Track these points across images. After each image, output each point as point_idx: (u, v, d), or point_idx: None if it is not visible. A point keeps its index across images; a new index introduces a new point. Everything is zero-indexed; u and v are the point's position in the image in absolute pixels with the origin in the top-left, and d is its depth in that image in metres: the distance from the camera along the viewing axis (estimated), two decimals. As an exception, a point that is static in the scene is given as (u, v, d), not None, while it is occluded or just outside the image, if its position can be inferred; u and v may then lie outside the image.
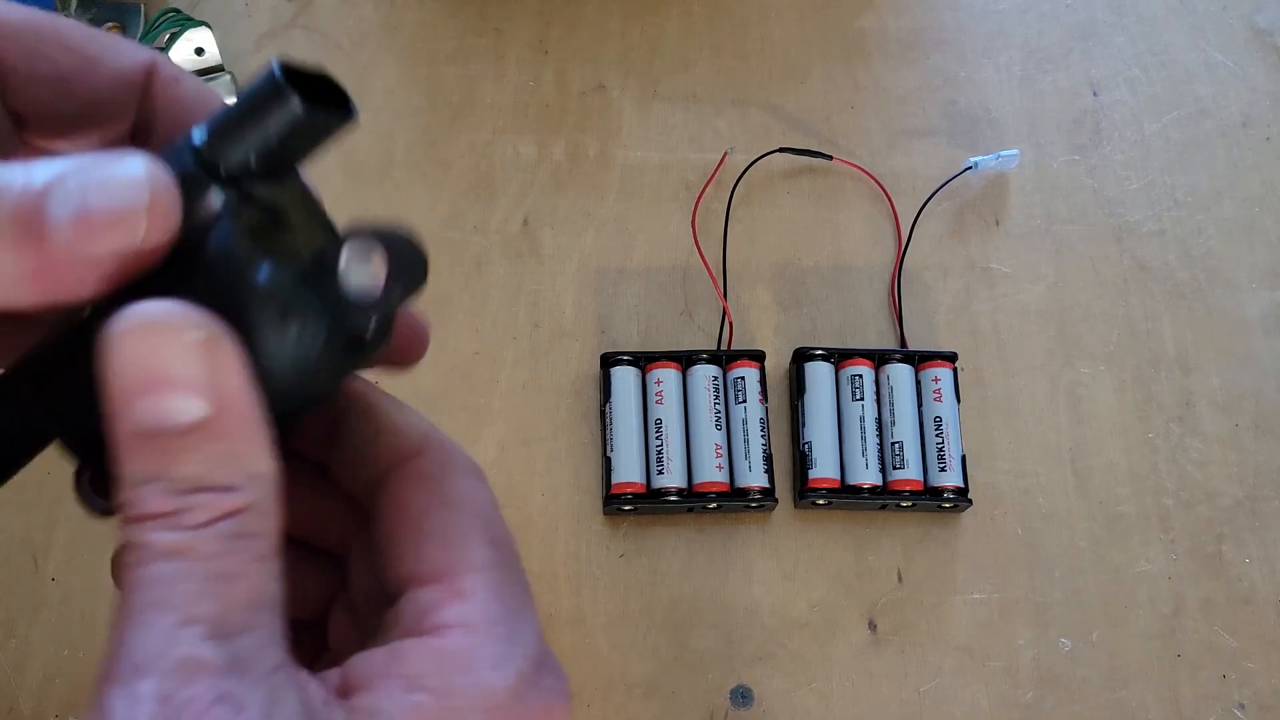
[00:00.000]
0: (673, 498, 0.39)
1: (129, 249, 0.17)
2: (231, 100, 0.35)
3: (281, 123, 0.20)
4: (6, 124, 0.21)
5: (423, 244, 0.20)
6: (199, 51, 0.44)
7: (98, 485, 0.20)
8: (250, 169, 0.20)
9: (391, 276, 0.19)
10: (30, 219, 0.16)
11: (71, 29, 0.21)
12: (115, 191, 0.17)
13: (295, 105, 0.20)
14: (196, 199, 0.19)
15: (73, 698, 0.37)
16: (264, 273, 0.19)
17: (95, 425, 0.18)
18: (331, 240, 0.20)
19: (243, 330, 0.18)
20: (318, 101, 0.21)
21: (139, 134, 0.22)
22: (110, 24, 0.47)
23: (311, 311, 0.19)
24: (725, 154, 0.46)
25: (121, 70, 0.21)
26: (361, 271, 0.19)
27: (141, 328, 0.17)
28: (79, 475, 0.20)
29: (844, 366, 0.41)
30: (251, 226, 0.19)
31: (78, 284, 0.17)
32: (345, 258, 0.19)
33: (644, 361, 0.41)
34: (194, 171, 0.19)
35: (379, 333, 0.20)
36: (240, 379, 0.17)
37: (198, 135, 0.19)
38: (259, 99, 0.20)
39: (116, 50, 0.21)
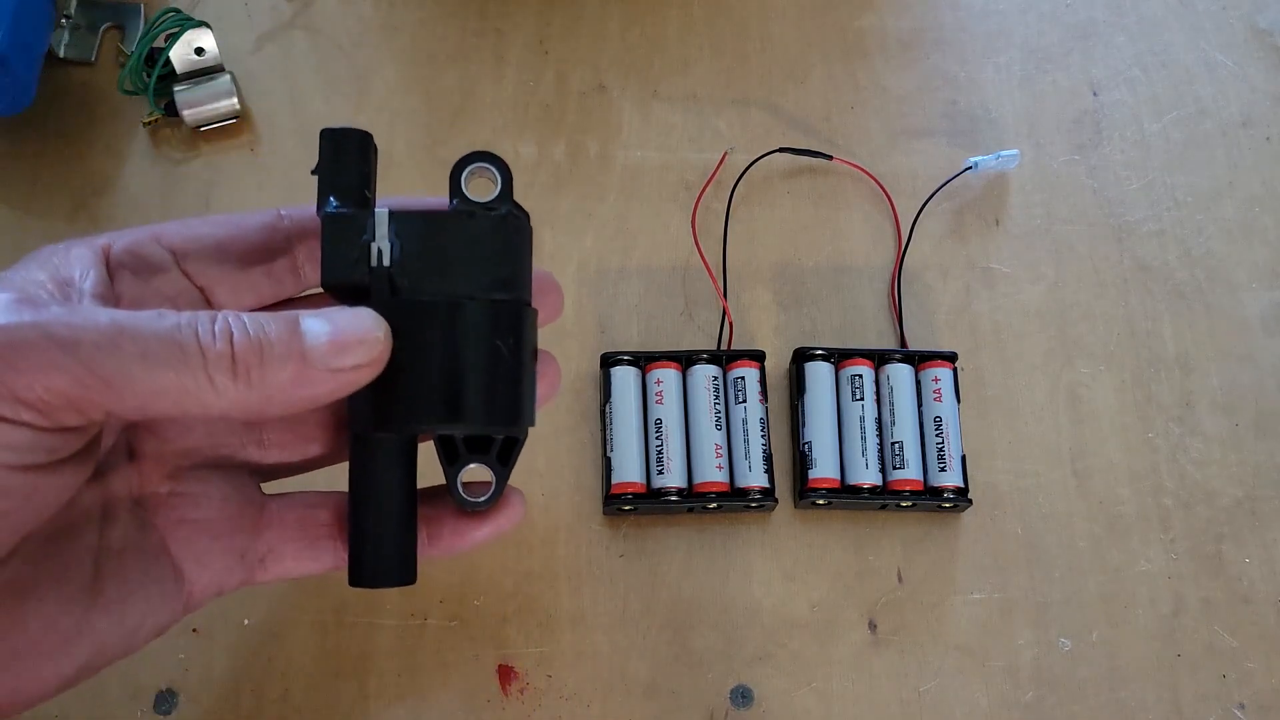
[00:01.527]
0: (673, 498, 0.39)
1: (373, 363, 0.25)
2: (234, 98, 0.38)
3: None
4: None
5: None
6: (199, 51, 0.44)
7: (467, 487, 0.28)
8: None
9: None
10: (294, 342, 0.24)
11: (215, 217, 0.29)
12: (354, 324, 0.25)
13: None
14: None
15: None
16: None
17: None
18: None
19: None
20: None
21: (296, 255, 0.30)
22: (110, 24, 0.47)
23: None
24: (725, 154, 0.46)
25: (262, 221, 0.29)
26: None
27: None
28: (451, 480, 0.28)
29: (844, 366, 0.41)
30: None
31: (322, 398, 0.25)
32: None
33: (644, 361, 0.41)
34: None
35: None
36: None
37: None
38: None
39: (249, 213, 0.29)
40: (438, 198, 0.29)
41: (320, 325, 0.24)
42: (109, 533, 0.27)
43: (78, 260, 0.26)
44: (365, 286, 0.27)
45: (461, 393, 0.27)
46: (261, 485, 0.31)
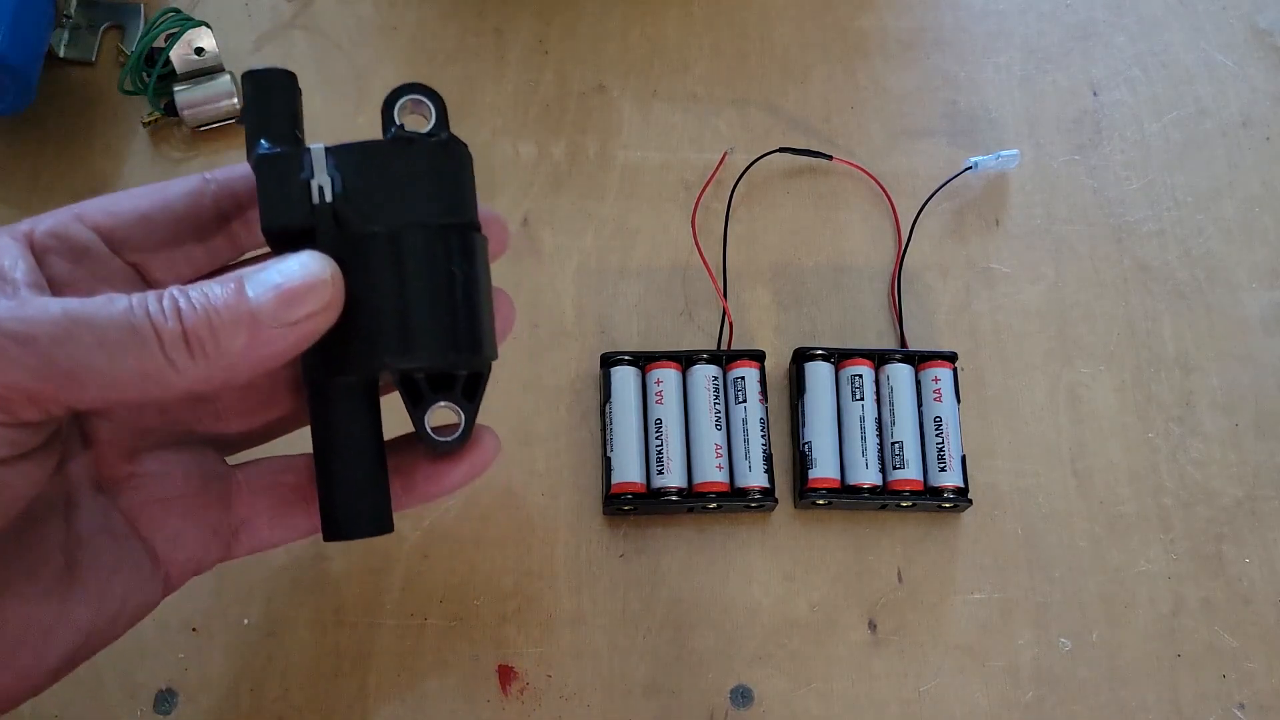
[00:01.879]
0: (673, 498, 0.39)
1: (327, 308, 0.24)
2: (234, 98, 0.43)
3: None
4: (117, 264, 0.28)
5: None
6: (199, 51, 0.44)
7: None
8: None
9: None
10: (241, 306, 0.23)
11: (137, 190, 0.28)
12: (299, 271, 0.24)
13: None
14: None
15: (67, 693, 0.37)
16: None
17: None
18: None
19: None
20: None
21: (226, 218, 0.29)
22: (110, 24, 0.47)
23: None
24: (725, 154, 0.46)
25: (186, 189, 0.28)
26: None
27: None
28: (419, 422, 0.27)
29: (844, 366, 0.41)
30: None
31: (283, 355, 0.24)
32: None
33: (644, 361, 0.41)
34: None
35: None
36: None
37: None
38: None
39: (171, 181, 0.28)
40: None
41: (265, 278, 0.24)
42: (75, 521, 0.26)
43: (2, 250, 0.25)
44: (309, 228, 0.26)
45: (416, 324, 0.26)
46: (230, 457, 0.30)
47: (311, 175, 0.25)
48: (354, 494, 0.27)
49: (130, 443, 0.28)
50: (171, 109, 0.45)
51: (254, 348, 0.23)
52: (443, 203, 0.27)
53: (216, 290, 0.23)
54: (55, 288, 0.26)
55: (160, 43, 0.44)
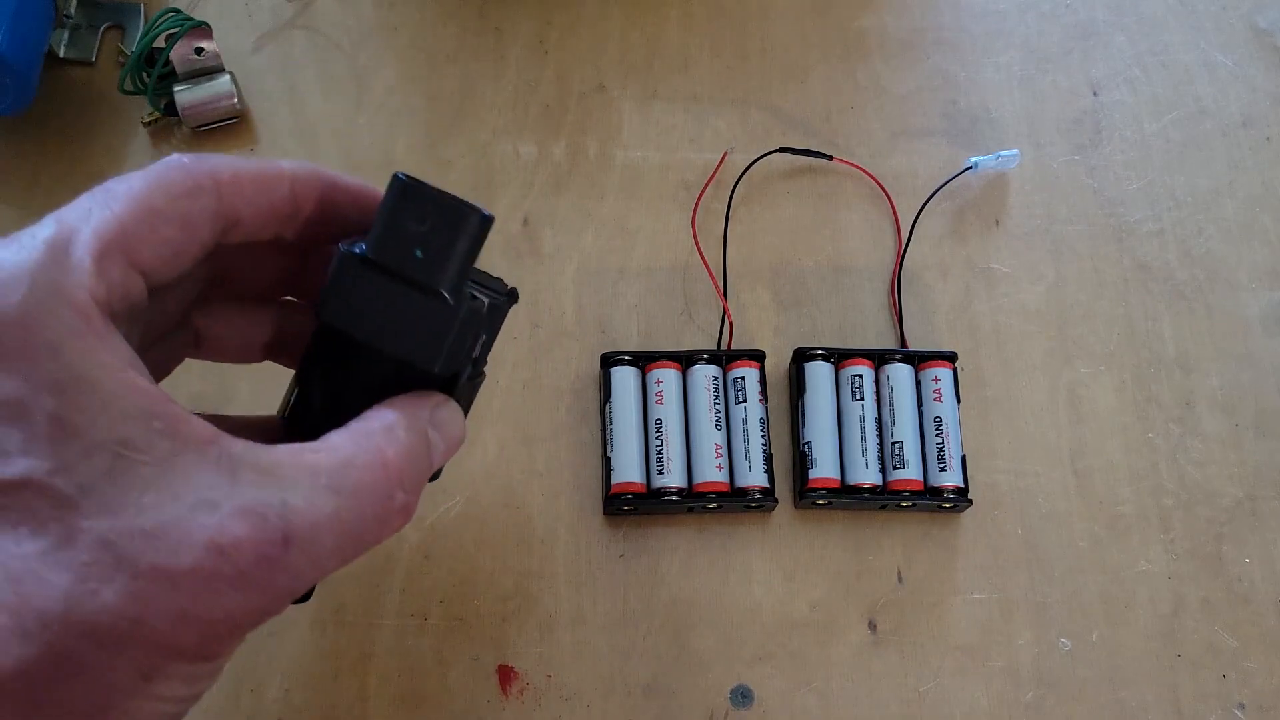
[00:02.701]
0: (673, 498, 0.39)
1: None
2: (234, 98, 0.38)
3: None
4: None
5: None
6: (199, 51, 0.44)
7: None
8: None
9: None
10: (425, 468, 0.25)
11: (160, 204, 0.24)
12: (454, 426, 0.26)
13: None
14: None
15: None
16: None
17: None
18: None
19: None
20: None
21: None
22: (110, 24, 0.47)
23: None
24: (725, 154, 0.46)
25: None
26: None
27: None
28: None
29: (844, 366, 0.41)
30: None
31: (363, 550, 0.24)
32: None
33: (644, 361, 0.41)
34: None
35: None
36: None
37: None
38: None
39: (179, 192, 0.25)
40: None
41: (436, 440, 0.25)
42: None
43: (110, 349, 0.22)
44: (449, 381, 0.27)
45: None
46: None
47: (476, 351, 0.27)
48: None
49: None
50: (171, 109, 0.45)
51: (347, 546, 0.23)
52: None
53: (419, 450, 0.25)
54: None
55: (160, 43, 0.44)
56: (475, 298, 0.26)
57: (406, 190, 0.24)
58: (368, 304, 0.25)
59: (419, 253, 0.24)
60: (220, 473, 0.20)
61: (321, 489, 0.21)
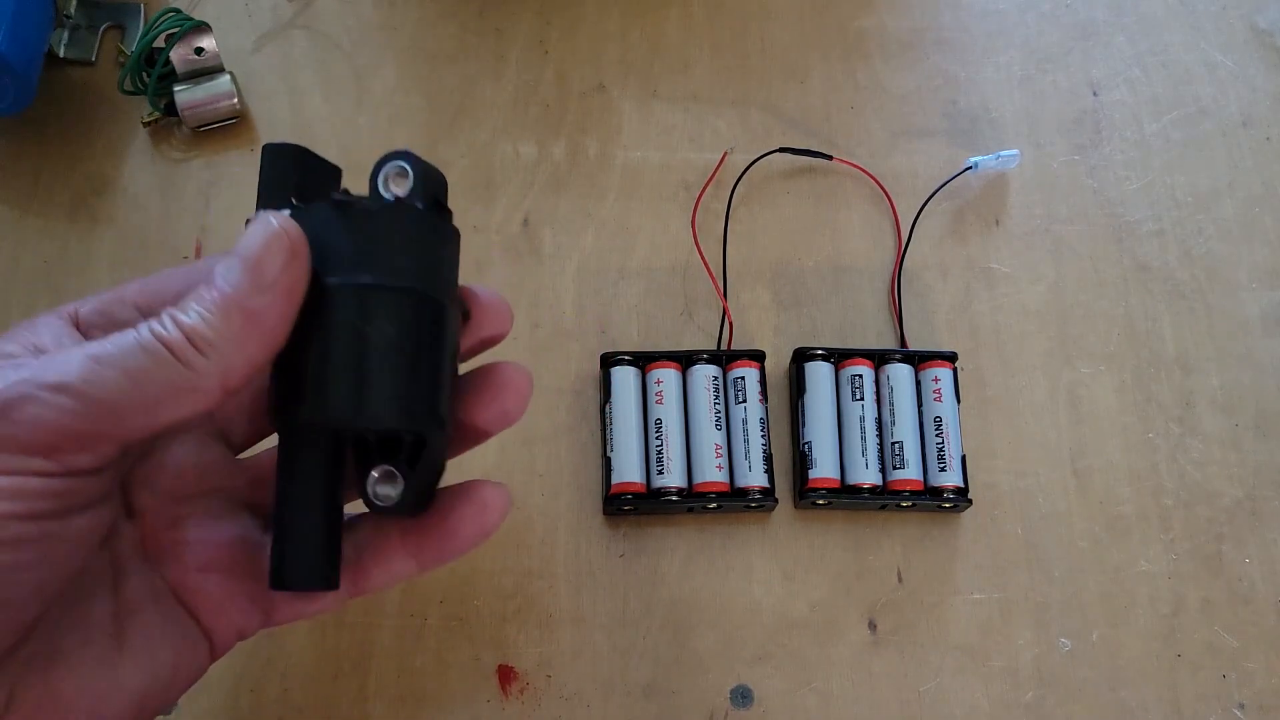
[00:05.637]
0: (673, 498, 0.39)
1: (294, 256, 0.25)
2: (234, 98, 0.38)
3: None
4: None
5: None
6: (199, 51, 0.44)
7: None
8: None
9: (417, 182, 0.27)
10: (221, 293, 0.24)
11: (176, 270, 0.30)
12: (254, 235, 0.25)
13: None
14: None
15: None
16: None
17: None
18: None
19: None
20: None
21: None
22: (110, 24, 0.47)
23: None
24: (725, 154, 0.46)
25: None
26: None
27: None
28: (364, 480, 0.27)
29: (844, 366, 0.41)
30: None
31: (279, 318, 0.25)
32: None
33: (644, 361, 0.41)
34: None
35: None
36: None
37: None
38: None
39: (211, 259, 0.28)
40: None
41: (230, 261, 0.25)
42: (123, 592, 0.27)
43: (45, 328, 0.27)
44: None
45: (365, 382, 0.26)
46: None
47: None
48: (301, 546, 0.27)
49: (173, 511, 0.29)
50: (171, 109, 0.45)
51: (252, 324, 0.25)
52: (413, 270, 0.27)
53: (201, 290, 0.25)
54: None
55: (160, 43, 0.44)
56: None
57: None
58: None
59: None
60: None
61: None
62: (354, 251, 0.26)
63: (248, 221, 0.26)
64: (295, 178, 0.28)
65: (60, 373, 0.23)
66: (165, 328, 0.24)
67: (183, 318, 0.24)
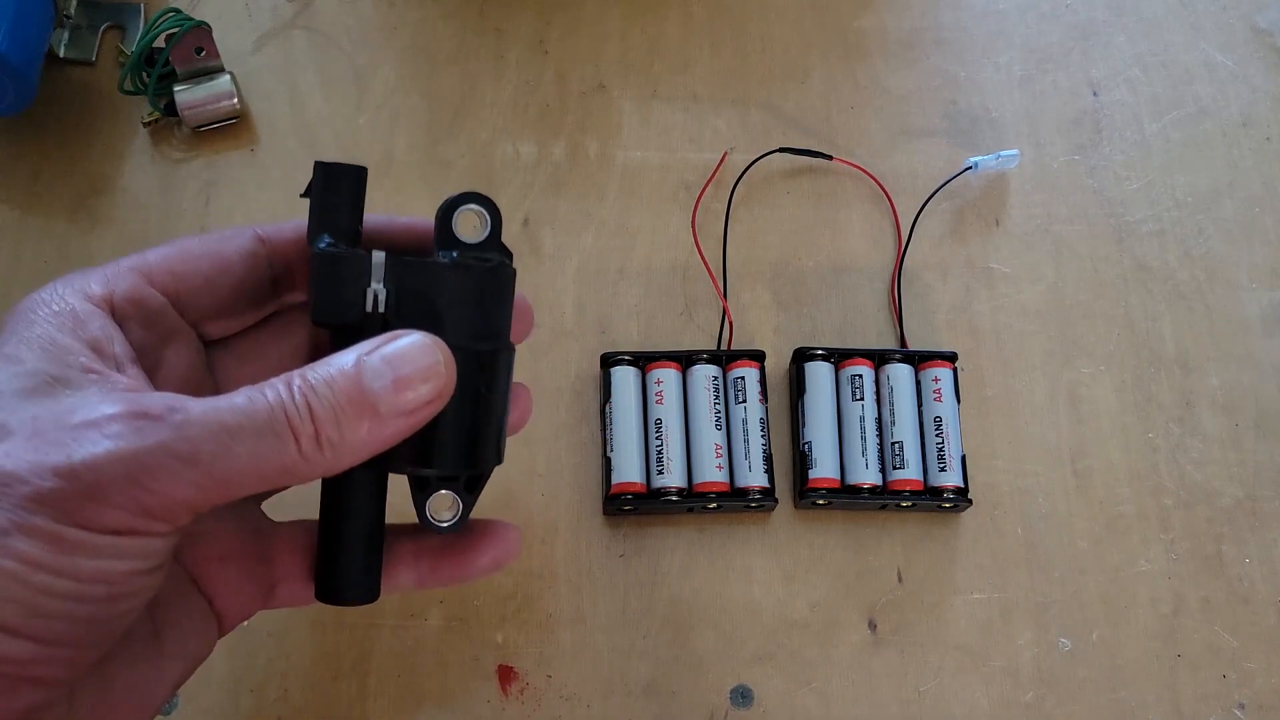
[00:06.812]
0: (673, 498, 0.39)
1: (440, 396, 0.26)
2: (234, 98, 0.38)
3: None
4: (188, 331, 0.29)
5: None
6: (199, 51, 0.44)
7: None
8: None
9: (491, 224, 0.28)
10: (364, 399, 0.24)
11: (195, 247, 0.29)
12: (414, 356, 0.25)
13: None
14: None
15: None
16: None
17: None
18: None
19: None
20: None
21: (278, 282, 0.30)
22: (110, 24, 0.47)
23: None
24: (725, 154, 0.46)
25: (242, 250, 0.29)
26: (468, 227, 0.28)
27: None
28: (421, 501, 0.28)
29: (844, 366, 0.41)
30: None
31: (400, 438, 0.25)
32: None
33: (644, 361, 0.41)
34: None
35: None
36: None
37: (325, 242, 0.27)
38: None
39: (227, 238, 0.29)
40: (416, 219, 0.30)
41: (383, 369, 0.25)
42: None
43: (91, 320, 0.26)
44: (356, 327, 0.27)
45: (435, 441, 0.27)
46: (276, 517, 0.32)
47: (369, 282, 0.27)
48: (354, 567, 0.29)
49: None
50: (171, 109, 0.45)
51: (374, 435, 0.25)
52: (483, 327, 0.28)
53: (340, 383, 0.25)
54: (143, 357, 0.27)
55: (160, 43, 0.44)
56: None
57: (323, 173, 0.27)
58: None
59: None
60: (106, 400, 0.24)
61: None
62: (437, 310, 0.27)
63: (310, 236, 0.27)
64: (358, 207, 0.28)
65: (193, 446, 0.23)
66: (299, 415, 0.24)
67: (318, 406, 0.24)
